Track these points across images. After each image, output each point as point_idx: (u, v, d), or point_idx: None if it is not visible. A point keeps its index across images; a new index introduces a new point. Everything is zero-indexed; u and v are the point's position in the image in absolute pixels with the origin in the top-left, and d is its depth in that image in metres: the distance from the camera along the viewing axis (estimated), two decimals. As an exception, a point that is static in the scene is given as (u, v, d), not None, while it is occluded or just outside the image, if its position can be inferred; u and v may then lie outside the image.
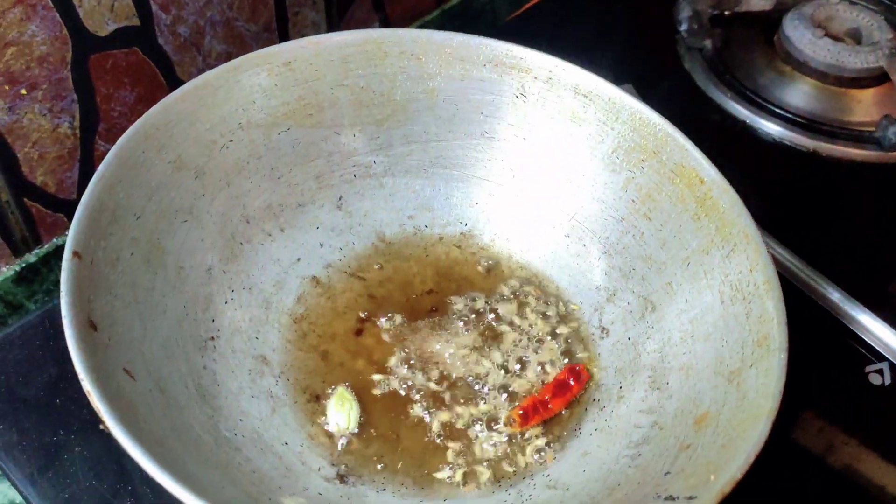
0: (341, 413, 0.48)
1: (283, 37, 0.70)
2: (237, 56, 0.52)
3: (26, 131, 0.56)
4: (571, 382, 0.49)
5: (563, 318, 0.54)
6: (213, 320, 0.48)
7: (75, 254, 0.40)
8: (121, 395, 0.37)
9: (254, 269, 0.52)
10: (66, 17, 0.55)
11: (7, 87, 0.54)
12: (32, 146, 0.57)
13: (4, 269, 0.60)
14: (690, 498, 0.37)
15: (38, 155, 0.58)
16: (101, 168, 0.43)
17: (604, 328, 0.53)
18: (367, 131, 0.55)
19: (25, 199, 0.59)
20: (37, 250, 0.61)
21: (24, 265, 0.60)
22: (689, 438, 0.42)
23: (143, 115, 0.46)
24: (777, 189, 0.69)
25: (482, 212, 0.58)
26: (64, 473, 0.51)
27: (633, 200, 0.53)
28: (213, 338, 0.48)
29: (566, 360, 0.52)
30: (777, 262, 0.46)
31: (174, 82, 0.64)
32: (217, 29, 0.69)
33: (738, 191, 0.49)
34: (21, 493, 0.50)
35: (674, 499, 0.38)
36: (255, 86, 0.51)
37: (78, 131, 0.59)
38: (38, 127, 0.57)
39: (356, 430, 0.48)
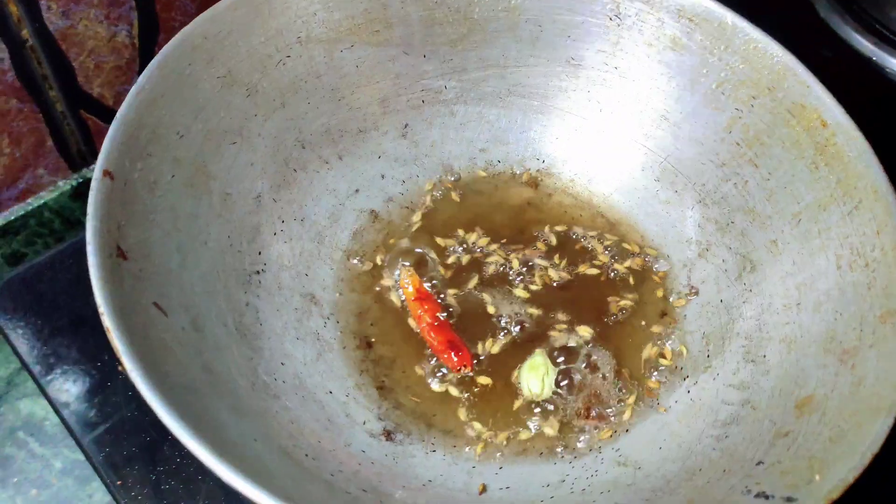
0: (534, 378, 0.43)
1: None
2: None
3: (82, 38, 0.53)
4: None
5: (646, 274, 0.48)
6: (260, 253, 0.44)
7: (106, 173, 0.36)
8: (147, 333, 0.34)
9: (307, 199, 0.47)
10: (122, -85, 0.50)
11: (61, -10, 0.50)
12: (88, 55, 0.54)
13: (61, 184, 0.57)
14: (790, 500, 0.31)
15: (94, 65, 0.55)
16: (140, 80, 0.39)
17: (692, 287, 0.47)
18: (439, 52, 0.50)
19: (82, 112, 0.56)
20: (94, 165, 0.58)
21: (80, 180, 0.58)
22: (787, 424, 0.37)
23: (190, 24, 0.42)
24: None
25: (562, 148, 0.52)
26: (106, 402, 0.49)
27: (738, 143, 0.46)
28: (258, 272, 0.44)
29: (642, 323, 0.46)
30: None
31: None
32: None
33: (864, 138, 0.42)
34: (62, 419, 0.49)
35: (767, 497, 0.32)
36: (316, -5, 0.46)
37: (136, 41, 0.55)
38: (94, 34, 0.53)
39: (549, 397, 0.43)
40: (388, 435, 0.41)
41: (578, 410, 0.43)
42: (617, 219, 0.50)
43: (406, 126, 0.51)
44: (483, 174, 0.52)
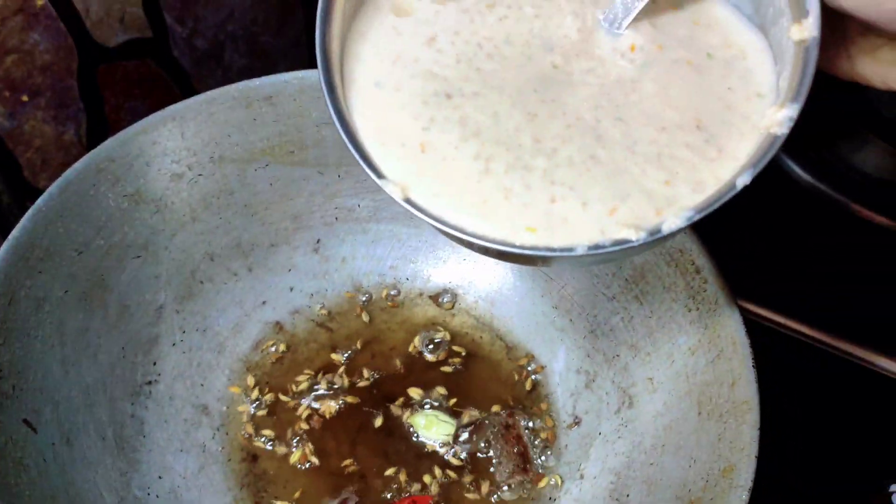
0: (433, 429, 0.47)
1: (313, 53, 0.68)
2: (261, 71, 0.49)
3: (28, 137, 0.56)
4: None
5: (535, 399, 0.49)
6: (155, 363, 0.46)
7: (-14, 294, 0.38)
8: (4, 452, 0.35)
9: (211, 310, 0.49)
10: (72, 27, 0.54)
11: (7, 94, 0.53)
12: (35, 152, 0.57)
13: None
14: None
15: (41, 161, 0.57)
16: (38, 203, 0.42)
17: (576, 416, 0.48)
18: (353, 172, 0.52)
19: (28, 203, 0.59)
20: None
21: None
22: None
23: (96, 149, 0.44)
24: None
25: (470, 270, 0.54)
26: None
27: (627, 279, 0.48)
28: (150, 382, 0.45)
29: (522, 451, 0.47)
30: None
31: (191, 93, 0.62)
32: (238, 43, 0.67)
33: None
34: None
35: None
36: (231, 120, 0.48)
37: (84, 139, 0.58)
38: (41, 133, 0.56)
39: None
40: (256, 554, 0.42)
41: (516, 462, 0.45)
42: (514, 343, 0.52)
43: (318, 241, 0.53)
44: (390, 291, 0.54)
